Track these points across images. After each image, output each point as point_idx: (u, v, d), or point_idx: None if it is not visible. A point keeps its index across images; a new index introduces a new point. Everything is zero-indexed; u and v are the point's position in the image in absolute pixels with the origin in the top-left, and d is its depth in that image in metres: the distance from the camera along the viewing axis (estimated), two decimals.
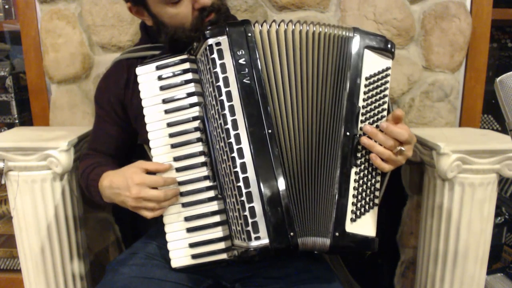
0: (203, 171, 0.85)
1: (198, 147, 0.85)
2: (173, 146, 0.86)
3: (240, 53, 0.79)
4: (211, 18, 0.91)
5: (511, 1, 1.50)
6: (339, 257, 1.34)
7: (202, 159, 0.85)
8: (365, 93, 0.85)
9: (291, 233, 0.77)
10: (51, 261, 1.17)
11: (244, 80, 0.78)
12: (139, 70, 0.88)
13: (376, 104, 0.86)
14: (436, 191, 1.15)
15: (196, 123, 0.85)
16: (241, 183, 0.77)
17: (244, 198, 0.77)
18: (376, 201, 0.85)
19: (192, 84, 0.86)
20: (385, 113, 0.86)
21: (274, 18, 1.34)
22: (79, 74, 1.39)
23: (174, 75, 0.87)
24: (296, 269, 0.94)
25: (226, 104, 0.78)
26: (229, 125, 0.78)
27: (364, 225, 0.84)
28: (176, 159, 0.86)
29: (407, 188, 1.38)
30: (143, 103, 0.88)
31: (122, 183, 0.85)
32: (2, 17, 1.60)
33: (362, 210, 0.84)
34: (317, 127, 0.83)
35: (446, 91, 1.37)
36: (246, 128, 0.77)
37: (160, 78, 0.87)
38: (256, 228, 0.76)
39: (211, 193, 0.85)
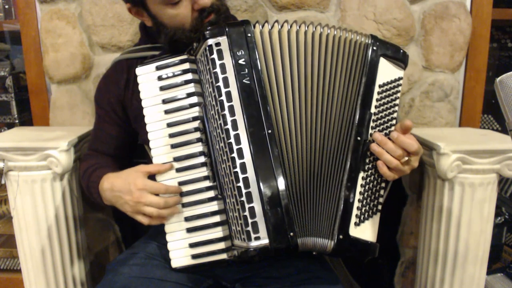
0: (203, 171, 0.85)
1: (198, 147, 0.86)
2: (173, 146, 0.86)
3: (240, 53, 0.79)
4: (210, 19, 0.91)
5: (511, 1, 1.50)
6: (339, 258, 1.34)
7: (202, 159, 0.85)
8: (377, 100, 0.87)
9: (291, 233, 0.77)
10: (51, 261, 1.17)
11: (244, 81, 0.79)
12: (139, 70, 0.88)
13: (387, 112, 0.87)
14: (436, 191, 1.15)
15: (196, 124, 0.85)
16: (241, 183, 0.77)
17: (244, 198, 0.77)
18: (379, 207, 0.86)
19: (192, 84, 0.86)
20: (394, 121, 0.88)
21: (274, 18, 1.34)
22: (79, 74, 1.39)
23: (174, 76, 0.87)
24: (296, 269, 0.94)
25: (226, 104, 0.78)
26: (229, 126, 0.78)
27: (367, 230, 0.84)
28: (176, 159, 0.86)
29: (407, 188, 1.38)
30: (143, 103, 0.88)
31: (124, 187, 0.85)
32: (2, 17, 1.60)
33: (366, 215, 0.84)
34: (322, 128, 0.84)
35: (446, 91, 1.37)
36: (246, 129, 0.78)
37: (160, 78, 0.87)
38: (256, 228, 0.76)
39: (211, 193, 0.85)
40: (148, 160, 0.94)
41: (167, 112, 0.86)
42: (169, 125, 0.86)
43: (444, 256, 1.14)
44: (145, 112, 0.88)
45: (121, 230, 1.47)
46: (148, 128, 0.87)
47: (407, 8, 1.32)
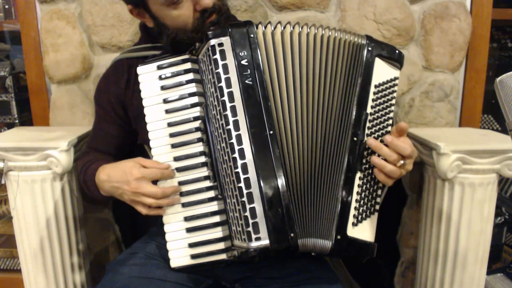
0: (204, 171, 0.85)
1: (199, 147, 0.85)
2: (174, 146, 0.86)
3: (243, 54, 0.79)
4: (212, 19, 0.91)
5: (511, 1, 1.50)
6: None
7: (202, 159, 0.85)
8: (373, 100, 0.87)
9: (292, 234, 0.77)
10: (51, 261, 1.16)
11: (246, 81, 0.79)
12: (140, 69, 0.88)
13: (383, 112, 0.87)
14: (436, 191, 1.15)
15: (197, 123, 0.85)
16: (242, 184, 0.77)
17: (245, 198, 0.77)
18: (377, 207, 0.86)
19: (194, 84, 0.86)
20: (390, 121, 0.88)
21: (274, 18, 1.34)
22: (79, 74, 1.39)
23: (175, 75, 0.87)
24: (296, 269, 0.94)
25: (228, 104, 0.78)
26: (231, 126, 0.78)
27: (365, 231, 0.84)
28: (177, 159, 0.86)
29: (407, 188, 1.38)
30: (144, 103, 0.88)
31: (121, 177, 0.85)
32: (2, 17, 1.60)
33: (364, 215, 0.84)
34: (322, 130, 0.84)
35: (446, 91, 1.37)
36: (247, 129, 0.77)
37: (161, 77, 0.87)
38: (256, 229, 0.76)
39: (211, 193, 0.85)
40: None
41: (168, 111, 0.86)
42: (170, 124, 0.86)
43: (444, 256, 1.14)
44: (145, 111, 0.88)
45: (121, 230, 1.47)
46: (148, 127, 0.87)
47: (407, 8, 1.33)
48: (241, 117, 0.78)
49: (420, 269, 1.26)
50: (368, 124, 0.85)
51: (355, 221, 0.83)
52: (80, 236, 1.26)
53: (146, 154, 0.99)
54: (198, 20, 0.90)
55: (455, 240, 1.12)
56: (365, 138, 0.84)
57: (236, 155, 0.77)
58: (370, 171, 0.85)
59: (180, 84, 0.86)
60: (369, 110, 0.86)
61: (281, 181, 0.77)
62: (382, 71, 0.88)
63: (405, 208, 1.40)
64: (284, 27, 0.84)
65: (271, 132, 0.78)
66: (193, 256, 0.86)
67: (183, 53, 0.87)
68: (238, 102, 0.78)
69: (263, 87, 0.79)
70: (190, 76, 0.86)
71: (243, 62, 0.79)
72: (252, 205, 0.76)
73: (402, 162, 0.81)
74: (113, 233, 1.47)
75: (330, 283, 0.91)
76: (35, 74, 1.44)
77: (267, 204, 0.76)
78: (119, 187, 0.86)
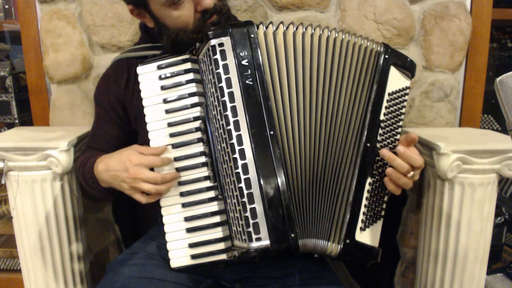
0: (204, 172, 0.85)
1: (199, 147, 0.85)
2: (174, 146, 0.86)
3: (243, 54, 0.79)
4: (213, 20, 0.91)
5: (511, 1, 1.50)
6: None
7: (202, 159, 0.85)
8: (386, 108, 0.87)
9: (292, 235, 0.77)
10: (51, 261, 1.16)
11: (247, 81, 0.78)
12: (140, 69, 0.88)
13: (393, 121, 0.88)
14: (436, 191, 1.15)
15: (197, 123, 0.85)
16: (242, 184, 0.77)
17: (245, 199, 0.76)
18: (383, 213, 0.87)
19: (194, 84, 0.86)
20: (399, 129, 0.88)
21: (274, 18, 1.34)
22: (79, 74, 1.39)
23: (176, 75, 0.87)
24: (296, 269, 0.94)
25: (229, 105, 0.78)
26: (231, 126, 0.78)
27: (371, 236, 0.85)
28: (177, 159, 0.86)
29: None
30: (144, 103, 0.88)
31: (119, 165, 0.85)
32: (2, 17, 1.60)
33: (371, 220, 0.85)
34: (326, 131, 0.84)
35: (446, 91, 1.37)
36: (248, 129, 0.77)
37: (161, 77, 0.87)
38: (257, 229, 0.76)
39: (211, 194, 0.85)
40: None
41: (168, 111, 0.86)
42: (170, 124, 0.86)
43: (444, 256, 1.14)
44: (145, 111, 0.87)
45: (121, 230, 1.47)
46: (148, 127, 0.87)
47: (407, 8, 1.33)
48: (242, 117, 0.78)
49: (420, 269, 1.26)
50: (380, 131, 0.86)
51: (363, 226, 0.84)
52: (80, 236, 1.25)
53: None
54: (198, 21, 0.90)
55: (455, 240, 1.12)
56: (377, 145, 0.85)
57: (237, 155, 0.77)
58: (379, 178, 0.86)
59: (180, 84, 0.86)
60: (381, 117, 0.86)
61: (281, 181, 0.77)
62: (395, 79, 0.89)
63: (405, 208, 1.40)
64: (287, 28, 0.84)
65: (272, 132, 0.78)
66: (193, 256, 0.86)
67: (183, 53, 0.87)
68: (239, 102, 0.78)
69: (263, 87, 0.79)
70: (190, 76, 0.86)
71: (244, 62, 0.79)
72: (252, 206, 0.76)
73: (412, 173, 0.82)
74: (113, 233, 1.47)
75: (330, 284, 0.91)
76: (35, 74, 1.44)
77: (268, 204, 0.76)
78: (118, 175, 0.85)
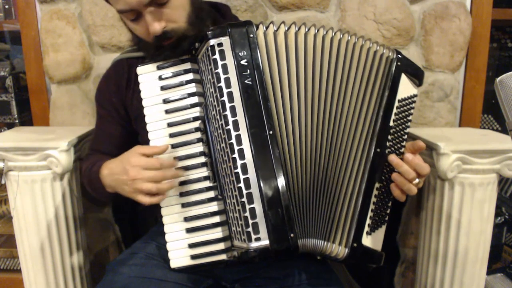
0: (203, 172, 0.85)
1: (199, 147, 0.85)
2: (173, 146, 0.86)
3: (242, 54, 0.79)
4: (170, 42, 0.86)
5: (511, 1, 1.50)
6: None
7: (202, 159, 0.85)
8: (395, 114, 0.88)
9: (291, 234, 0.77)
10: (51, 261, 1.16)
11: (246, 81, 0.78)
12: (140, 69, 0.88)
13: (401, 127, 0.89)
14: (436, 191, 1.15)
15: (196, 124, 0.85)
16: (241, 184, 0.77)
17: (244, 199, 0.76)
18: (387, 218, 0.87)
19: (193, 84, 0.86)
20: (406, 136, 0.89)
21: (274, 18, 1.34)
22: (79, 74, 1.39)
23: (175, 75, 0.87)
24: (296, 270, 0.94)
25: (228, 105, 0.78)
26: (230, 126, 0.78)
27: (375, 240, 0.86)
28: (176, 159, 0.86)
29: None
30: (144, 103, 0.88)
31: (120, 169, 0.84)
32: (2, 17, 1.60)
33: (376, 225, 0.86)
34: (329, 134, 0.84)
35: (446, 91, 1.37)
36: (247, 129, 0.77)
37: (161, 78, 0.87)
38: (256, 229, 0.76)
39: (211, 194, 0.85)
40: None
41: (167, 112, 0.86)
42: (170, 125, 0.86)
43: (444, 256, 1.14)
44: (145, 111, 0.87)
45: (121, 230, 1.47)
46: (148, 127, 0.87)
47: (407, 8, 1.32)
48: (241, 117, 0.78)
49: (420, 269, 1.26)
50: (388, 137, 0.86)
51: (369, 230, 0.84)
52: (80, 236, 1.25)
53: None
54: (154, 41, 0.85)
55: (455, 240, 1.11)
56: (386, 151, 0.86)
57: (236, 155, 0.77)
58: (386, 183, 0.86)
59: (180, 84, 0.86)
60: (391, 123, 0.87)
61: (281, 181, 0.77)
62: (405, 87, 0.90)
63: (405, 208, 1.40)
64: (289, 28, 0.84)
65: (271, 132, 0.78)
66: (193, 257, 0.86)
67: (183, 52, 0.87)
68: (238, 102, 0.78)
69: (263, 87, 0.79)
70: (190, 76, 0.86)
71: (243, 62, 0.79)
72: (251, 206, 0.76)
73: (418, 180, 0.83)
74: (113, 233, 1.47)
75: (330, 284, 0.91)
76: (35, 74, 1.44)
77: (267, 204, 0.76)
78: (119, 178, 0.84)
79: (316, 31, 0.85)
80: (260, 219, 0.76)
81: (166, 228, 0.87)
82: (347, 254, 0.82)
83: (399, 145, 0.88)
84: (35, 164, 1.11)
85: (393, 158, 0.84)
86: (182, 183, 0.86)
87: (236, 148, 0.77)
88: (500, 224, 1.59)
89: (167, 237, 0.87)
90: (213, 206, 0.85)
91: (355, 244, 0.82)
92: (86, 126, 1.34)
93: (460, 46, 1.34)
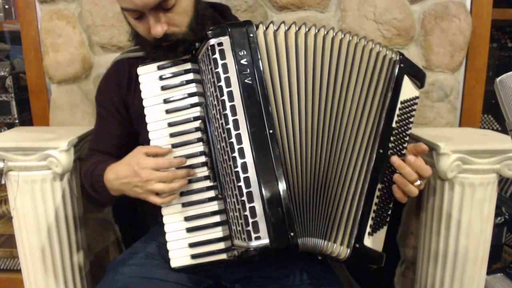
0: (204, 171, 0.85)
1: (199, 147, 0.86)
2: (174, 146, 0.86)
3: (242, 53, 0.79)
4: (167, 44, 0.87)
5: (511, 1, 1.50)
6: None
7: (202, 159, 0.85)
8: (397, 115, 0.88)
9: (291, 233, 0.77)
10: (51, 261, 1.16)
11: (246, 81, 0.78)
12: (141, 70, 0.88)
13: (403, 129, 0.89)
14: (436, 191, 1.15)
15: (197, 123, 0.85)
16: (242, 183, 0.77)
17: (245, 198, 0.76)
18: (388, 219, 0.87)
19: (194, 84, 0.86)
20: (407, 138, 0.89)
21: (274, 18, 1.34)
22: (79, 74, 1.39)
23: (176, 75, 0.87)
24: (297, 269, 0.94)
25: (228, 104, 0.78)
26: (231, 125, 0.78)
27: (377, 241, 0.86)
28: (184, 157, 0.86)
29: None
30: (144, 103, 0.88)
31: (129, 171, 0.85)
32: (2, 17, 1.60)
33: (377, 226, 0.86)
34: (330, 133, 0.84)
35: (446, 91, 1.37)
36: (247, 128, 0.77)
37: (161, 78, 0.87)
38: (256, 228, 0.76)
39: (211, 193, 0.85)
40: None
41: (168, 111, 0.86)
42: (170, 124, 0.86)
43: (444, 256, 1.14)
44: (146, 111, 0.88)
45: (121, 230, 1.47)
46: (149, 127, 0.87)
47: (407, 8, 1.33)
48: (241, 116, 0.78)
49: (420, 269, 1.26)
50: (391, 138, 0.87)
51: (370, 231, 0.84)
52: (80, 236, 1.25)
53: None
54: (154, 41, 0.87)
55: (455, 240, 1.11)
56: (389, 152, 0.86)
57: (236, 154, 0.77)
58: (388, 184, 0.86)
59: (180, 84, 0.86)
60: (394, 125, 0.87)
61: (281, 180, 0.77)
62: (408, 88, 0.90)
63: (405, 208, 1.40)
64: (289, 27, 0.84)
65: (271, 131, 0.78)
66: (193, 256, 0.86)
67: (183, 52, 0.87)
68: (238, 102, 0.78)
69: (262, 87, 0.79)
70: (190, 76, 0.86)
71: (243, 61, 0.79)
72: (252, 204, 0.76)
73: (419, 182, 0.83)
74: (113, 233, 1.47)
75: (330, 284, 0.91)
76: (35, 74, 1.44)
77: (267, 203, 0.76)
78: (129, 181, 0.85)
79: (316, 31, 0.85)
80: (260, 218, 0.76)
81: (166, 228, 0.87)
82: (349, 255, 0.82)
83: (400, 147, 0.88)
84: (35, 164, 1.11)
85: (395, 159, 0.84)
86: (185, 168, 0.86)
87: (236, 147, 0.77)
88: (500, 224, 1.59)
89: (167, 237, 0.87)
90: (214, 206, 0.85)
91: (357, 245, 0.82)
92: (86, 126, 1.34)
93: (460, 46, 1.34)
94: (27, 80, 1.45)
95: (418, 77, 0.92)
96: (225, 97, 0.78)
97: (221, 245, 0.85)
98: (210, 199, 0.85)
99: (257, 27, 0.82)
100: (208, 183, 0.85)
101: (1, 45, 1.69)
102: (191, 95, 0.86)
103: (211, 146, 0.84)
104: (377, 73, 0.88)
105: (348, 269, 1.42)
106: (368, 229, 0.84)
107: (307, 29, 0.85)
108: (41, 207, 1.13)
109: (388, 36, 1.32)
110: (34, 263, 1.16)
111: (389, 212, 0.88)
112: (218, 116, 0.80)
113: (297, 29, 0.84)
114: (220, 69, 0.79)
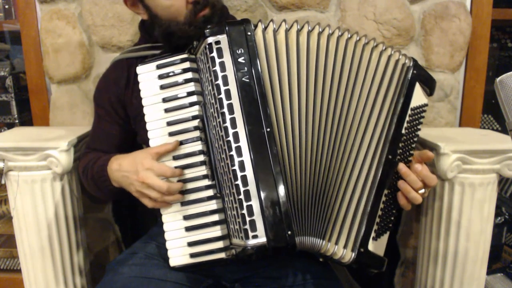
0: (202, 170, 0.85)
1: (198, 146, 0.85)
2: None
3: (240, 52, 0.79)
4: (205, 13, 0.90)
5: (511, 1, 1.50)
6: None
7: (201, 157, 0.85)
8: (407, 122, 0.87)
9: (289, 232, 0.76)
10: (51, 261, 1.16)
11: (243, 79, 0.78)
12: (140, 69, 0.89)
13: (411, 135, 0.88)
14: (436, 191, 1.15)
15: (195, 122, 0.85)
16: (239, 181, 0.76)
17: (242, 196, 0.76)
18: (391, 225, 0.87)
19: (192, 83, 0.86)
20: (414, 145, 0.89)
21: (274, 18, 1.34)
22: (79, 74, 1.39)
23: (174, 74, 0.87)
24: (296, 269, 0.94)
25: (225, 102, 0.78)
26: (228, 123, 0.77)
27: (380, 246, 0.86)
28: (176, 157, 0.86)
29: None
30: (143, 102, 0.88)
31: (132, 167, 0.85)
32: (2, 17, 1.60)
33: (381, 231, 0.86)
34: (332, 134, 0.84)
35: (446, 91, 1.37)
36: (244, 127, 0.77)
37: (160, 77, 0.87)
38: (253, 227, 0.75)
39: (210, 192, 0.85)
40: None
41: (167, 110, 0.86)
42: (169, 123, 0.86)
43: (444, 256, 1.14)
44: (145, 110, 0.88)
45: (121, 230, 1.47)
46: (148, 126, 0.87)
47: (407, 8, 1.32)
48: (238, 114, 0.77)
49: (420, 269, 1.26)
50: (400, 144, 0.86)
51: (375, 236, 0.84)
52: (80, 236, 1.26)
53: None
54: (190, 12, 0.90)
55: (455, 240, 1.11)
56: (397, 158, 0.86)
57: (233, 152, 0.77)
58: (393, 190, 0.86)
59: (179, 83, 0.86)
60: (403, 131, 0.87)
61: (278, 179, 0.76)
62: (418, 95, 0.90)
63: None
64: (291, 27, 0.84)
65: (269, 129, 0.77)
66: (192, 255, 0.86)
67: (182, 52, 0.87)
68: (235, 100, 0.78)
69: (260, 85, 0.78)
70: (189, 75, 0.86)
71: (240, 59, 0.79)
72: (249, 203, 0.76)
73: (423, 190, 0.83)
74: (113, 233, 1.47)
75: (330, 283, 0.91)
76: (35, 74, 1.44)
77: (264, 202, 0.75)
78: (128, 176, 0.85)
79: (320, 30, 0.85)
80: (258, 216, 0.75)
81: (165, 227, 0.87)
82: (353, 259, 0.81)
83: (407, 153, 0.88)
84: (35, 164, 1.11)
85: (402, 166, 0.84)
86: (181, 182, 0.86)
87: (233, 145, 0.77)
88: (500, 224, 1.59)
89: (166, 236, 0.87)
90: (212, 204, 0.85)
91: (362, 249, 0.82)
92: (86, 126, 1.34)
93: (460, 46, 1.34)
94: (27, 80, 1.45)
95: (429, 84, 0.92)
96: (223, 96, 0.78)
97: (219, 244, 0.85)
98: (209, 198, 0.85)
99: (256, 25, 0.82)
100: (206, 181, 0.85)
101: (1, 45, 1.69)
102: (190, 94, 0.86)
103: (210, 145, 0.83)
104: (388, 77, 0.88)
105: (348, 269, 1.41)
106: (373, 234, 0.84)
107: (310, 28, 0.85)
108: (41, 207, 1.13)
109: (388, 36, 1.32)
110: (34, 263, 1.16)
111: (393, 218, 0.87)
112: (216, 114, 0.80)
113: (299, 28, 0.84)
114: (217, 68, 0.79)
